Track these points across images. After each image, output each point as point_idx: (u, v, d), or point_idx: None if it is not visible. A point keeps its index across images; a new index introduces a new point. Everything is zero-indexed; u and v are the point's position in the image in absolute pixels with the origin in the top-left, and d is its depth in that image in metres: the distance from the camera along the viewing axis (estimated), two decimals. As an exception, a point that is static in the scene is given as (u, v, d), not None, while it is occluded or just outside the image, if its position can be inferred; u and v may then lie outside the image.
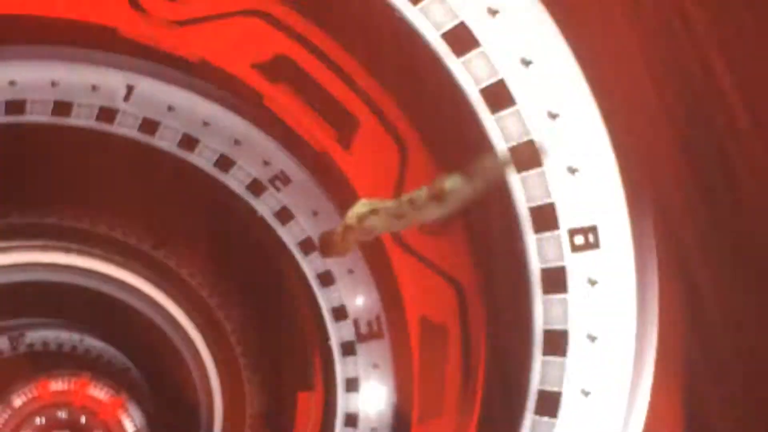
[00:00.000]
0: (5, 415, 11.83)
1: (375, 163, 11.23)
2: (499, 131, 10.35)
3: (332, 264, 11.76)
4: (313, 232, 11.66)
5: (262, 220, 11.99)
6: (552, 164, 10.21)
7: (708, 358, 9.33)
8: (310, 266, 11.66)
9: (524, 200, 10.22)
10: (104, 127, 11.89)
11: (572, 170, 10.22)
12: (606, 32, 10.21)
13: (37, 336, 11.90)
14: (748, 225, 9.55)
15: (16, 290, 11.52)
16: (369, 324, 11.85)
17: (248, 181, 11.98)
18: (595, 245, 10.05)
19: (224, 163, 11.89)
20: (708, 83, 9.47)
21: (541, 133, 10.35)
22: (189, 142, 11.99)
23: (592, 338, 9.94)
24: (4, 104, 11.94)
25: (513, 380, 10.22)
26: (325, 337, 11.76)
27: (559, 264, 10.03)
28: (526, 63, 10.36)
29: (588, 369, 9.95)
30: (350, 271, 11.55)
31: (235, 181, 11.99)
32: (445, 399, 10.55)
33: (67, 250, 11.63)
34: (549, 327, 10.08)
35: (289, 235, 11.63)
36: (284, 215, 11.68)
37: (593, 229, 10.06)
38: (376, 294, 11.64)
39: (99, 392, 11.95)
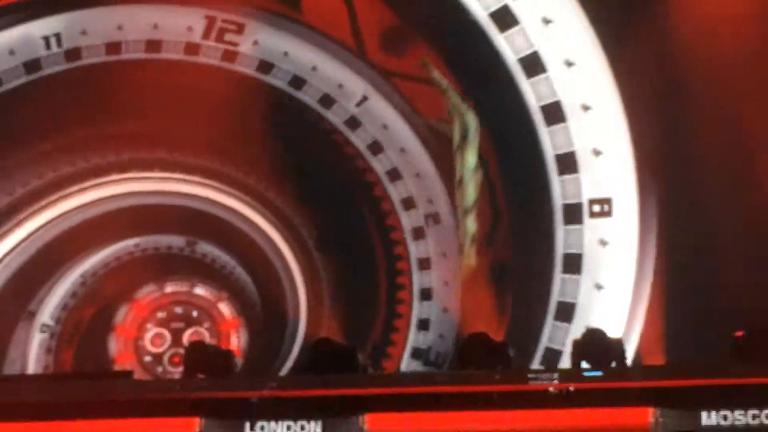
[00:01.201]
0: (133, 311, 12.50)
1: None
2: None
3: (414, 189, 12.09)
4: (399, 162, 12.03)
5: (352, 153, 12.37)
6: (581, 147, 11.04)
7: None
8: (396, 192, 11.93)
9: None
10: (225, 64, 12.32)
11: (597, 152, 10.96)
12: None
13: (164, 242, 12.70)
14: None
15: (144, 211, 12.65)
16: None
17: (346, 117, 12.15)
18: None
19: (326, 101, 12.13)
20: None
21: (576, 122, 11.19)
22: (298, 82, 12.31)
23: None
24: (144, 43, 12.36)
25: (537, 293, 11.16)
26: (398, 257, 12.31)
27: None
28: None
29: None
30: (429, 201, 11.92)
31: (335, 117, 12.15)
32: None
33: (176, 180, 12.45)
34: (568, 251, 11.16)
35: (379, 165, 11.89)
36: (375, 148, 11.93)
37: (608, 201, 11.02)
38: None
39: (205, 291, 12.74)
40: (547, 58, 11.27)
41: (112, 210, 12.77)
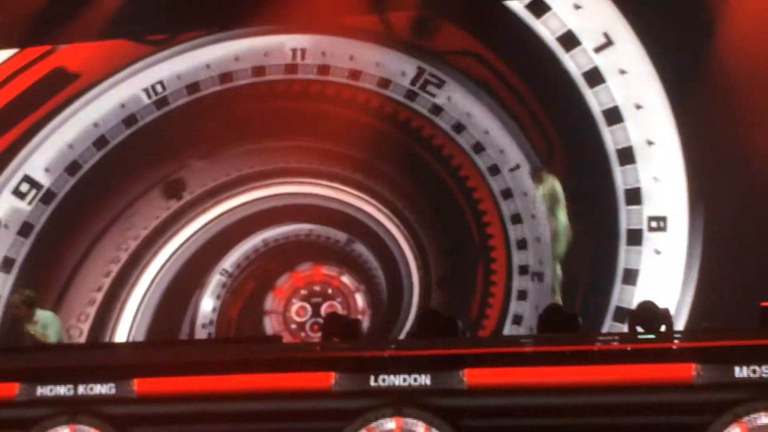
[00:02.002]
0: (278, 296, 13.08)
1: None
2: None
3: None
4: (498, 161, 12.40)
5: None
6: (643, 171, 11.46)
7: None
8: (496, 184, 12.29)
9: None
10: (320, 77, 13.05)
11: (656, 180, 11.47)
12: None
13: (316, 231, 13.30)
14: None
15: (272, 211, 13.36)
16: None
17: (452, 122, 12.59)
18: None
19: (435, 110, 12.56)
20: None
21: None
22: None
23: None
24: (283, 67, 13.10)
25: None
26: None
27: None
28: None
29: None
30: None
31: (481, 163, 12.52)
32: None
33: (300, 183, 13.12)
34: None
35: (481, 161, 12.36)
36: (478, 148, 12.42)
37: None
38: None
39: (332, 271, 13.19)
40: (623, 110, 11.55)
41: (269, 206, 13.39)
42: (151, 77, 13.53)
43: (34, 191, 13.22)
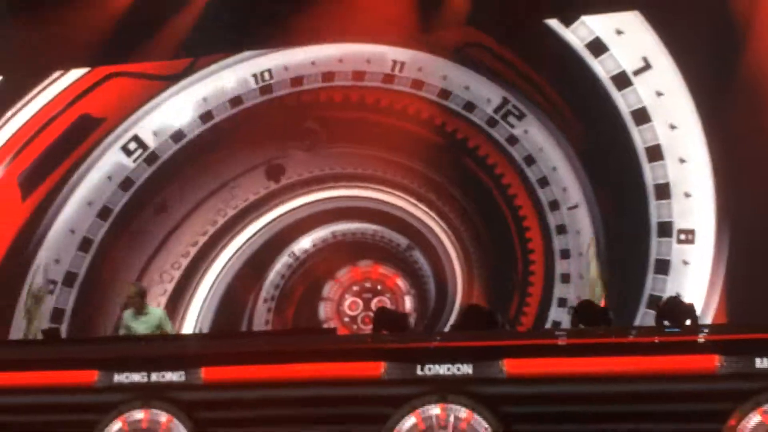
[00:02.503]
0: (336, 285, 13.17)
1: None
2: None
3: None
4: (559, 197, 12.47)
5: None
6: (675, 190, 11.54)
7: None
8: (553, 218, 12.40)
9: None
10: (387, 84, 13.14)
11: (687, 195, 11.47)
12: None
13: (380, 233, 13.38)
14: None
15: (346, 209, 13.55)
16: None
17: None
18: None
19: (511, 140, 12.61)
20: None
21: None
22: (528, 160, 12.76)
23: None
24: (350, 73, 13.27)
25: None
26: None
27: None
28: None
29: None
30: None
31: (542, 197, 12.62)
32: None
33: (364, 188, 13.27)
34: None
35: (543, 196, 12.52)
36: (543, 182, 12.63)
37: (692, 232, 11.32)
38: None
39: (387, 270, 13.24)
40: (658, 128, 11.70)
41: (344, 205, 13.56)
42: (260, 65, 13.78)
43: (140, 151, 13.45)
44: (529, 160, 12.41)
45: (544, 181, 12.49)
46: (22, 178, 13.57)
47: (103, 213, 13.96)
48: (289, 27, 12.95)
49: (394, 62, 13.10)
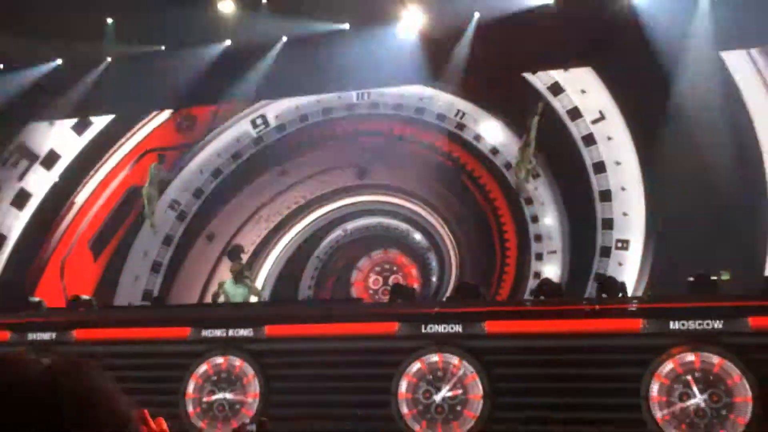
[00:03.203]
0: (363, 270, 12.65)
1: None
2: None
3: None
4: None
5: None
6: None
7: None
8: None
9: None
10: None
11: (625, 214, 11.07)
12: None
13: (385, 224, 12.81)
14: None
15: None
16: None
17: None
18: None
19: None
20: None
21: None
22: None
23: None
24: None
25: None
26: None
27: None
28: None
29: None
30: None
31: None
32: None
33: (392, 195, 12.66)
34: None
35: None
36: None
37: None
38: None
39: (405, 258, 12.73)
40: (598, 137, 11.22)
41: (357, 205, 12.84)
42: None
43: (262, 126, 12.94)
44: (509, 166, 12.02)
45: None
46: (91, 244, 13.07)
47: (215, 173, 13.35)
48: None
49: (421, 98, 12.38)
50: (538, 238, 11.59)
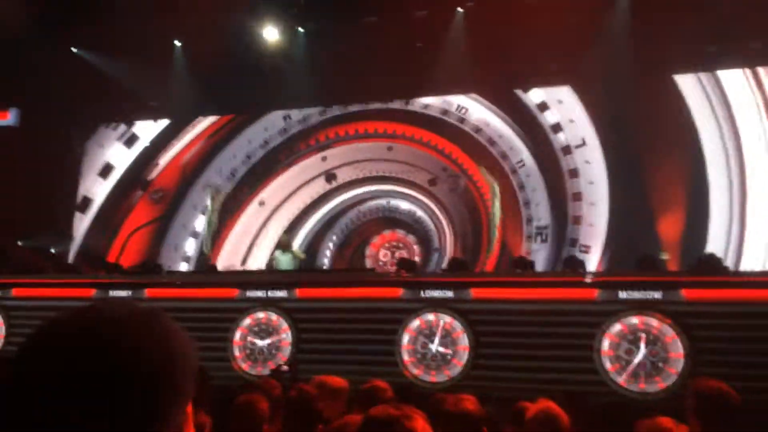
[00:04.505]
0: (374, 248, 12.36)
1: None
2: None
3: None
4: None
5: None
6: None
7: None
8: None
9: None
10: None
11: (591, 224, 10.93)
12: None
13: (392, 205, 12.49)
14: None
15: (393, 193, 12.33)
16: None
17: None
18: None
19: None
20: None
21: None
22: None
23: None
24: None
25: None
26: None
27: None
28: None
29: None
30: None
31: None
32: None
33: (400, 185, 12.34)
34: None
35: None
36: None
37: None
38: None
39: (406, 236, 12.46)
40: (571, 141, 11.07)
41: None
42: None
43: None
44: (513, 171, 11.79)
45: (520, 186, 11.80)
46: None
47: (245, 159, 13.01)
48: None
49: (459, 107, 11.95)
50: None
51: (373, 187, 12.48)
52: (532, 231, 11.19)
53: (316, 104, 12.65)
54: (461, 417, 2.46)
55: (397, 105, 12.21)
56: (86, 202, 13.34)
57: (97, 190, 13.36)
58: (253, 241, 12.66)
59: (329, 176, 12.59)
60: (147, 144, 13.33)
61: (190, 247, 12.90)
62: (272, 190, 12.79)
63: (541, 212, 11.23)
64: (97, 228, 13.09)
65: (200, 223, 12.95)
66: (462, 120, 11.81)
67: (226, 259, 12.61)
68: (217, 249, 12.73)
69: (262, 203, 12.80)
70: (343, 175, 12.62)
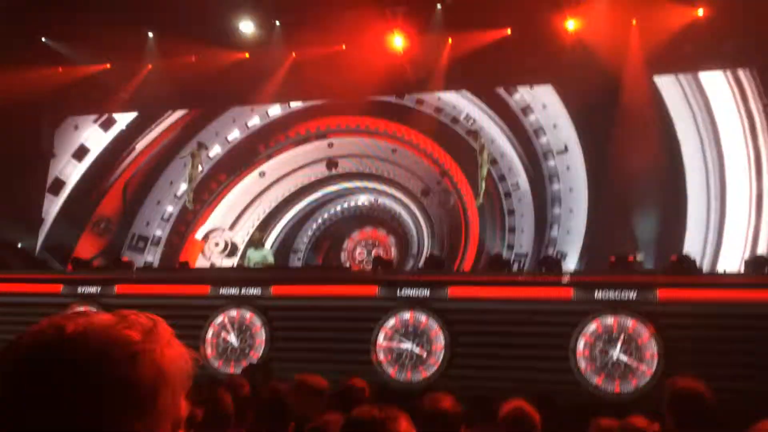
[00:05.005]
0: (352, 243, 12.30)
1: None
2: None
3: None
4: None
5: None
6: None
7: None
8: None
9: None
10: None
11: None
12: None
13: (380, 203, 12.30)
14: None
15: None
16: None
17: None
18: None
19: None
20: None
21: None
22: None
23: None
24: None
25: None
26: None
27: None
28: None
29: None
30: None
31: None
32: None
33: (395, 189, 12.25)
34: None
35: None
36: None
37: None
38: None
39: (382, 232, 12.31)
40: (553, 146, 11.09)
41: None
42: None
43: None
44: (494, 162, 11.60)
45: (501, 178, 11.72)
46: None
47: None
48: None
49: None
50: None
51: (369, 184, 12.39)
52: (511, 256, 11.20)
53: (295, 99, 12.54)
54: (438, 416, 2.43)
55: (410, 103, 12.12)
56: (58, 183, 13.05)
57: (71, 173, 13.07)
58: (245, 209, 12.59)
59: (331, 164, 12.45)
60: (123, 128, 13.10)
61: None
62: (275, 164, 12.66)
63: (524, 240, 11.24)
64: (68, 213, 12.82)
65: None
66: (470, 133, 11.72)
67: (216, 220, 12.43)
68: (209, 210, 12.55)
69: (262, 174, 12.71)
70: (345, 166, 12.51)
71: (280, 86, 12.06)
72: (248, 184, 12.63)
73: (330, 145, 12.28)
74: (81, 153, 13.20)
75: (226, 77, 12.01)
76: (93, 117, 13.26)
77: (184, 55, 12.14)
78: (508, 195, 11.48)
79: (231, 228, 12.36)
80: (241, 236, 12.35)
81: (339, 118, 12.35)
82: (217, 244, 12.29)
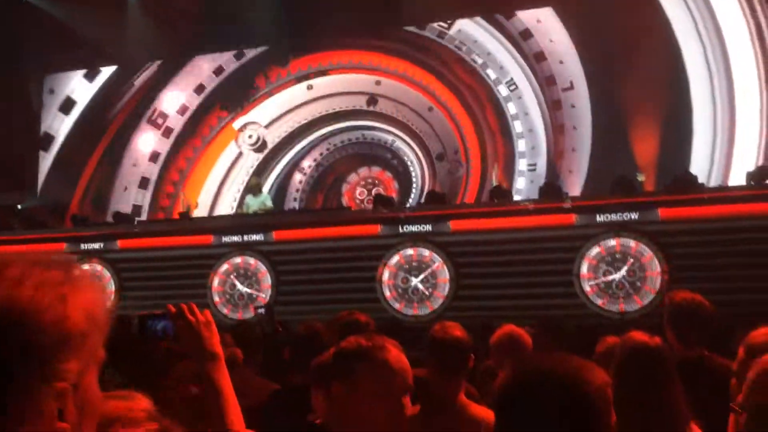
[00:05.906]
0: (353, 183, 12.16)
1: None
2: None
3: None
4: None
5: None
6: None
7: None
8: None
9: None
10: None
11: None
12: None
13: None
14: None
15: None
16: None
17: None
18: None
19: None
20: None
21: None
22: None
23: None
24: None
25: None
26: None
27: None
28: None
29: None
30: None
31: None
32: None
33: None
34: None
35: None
36: None
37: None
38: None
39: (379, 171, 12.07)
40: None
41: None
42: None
43: None
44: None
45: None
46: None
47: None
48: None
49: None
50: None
51: (394, 129, 12.12)
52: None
53: (282, 41, 12.17)
54: (452, 343, 2.47)
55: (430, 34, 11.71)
56: (48, 138, 12.89)
57: (59, 127, 12.86)
58: (286, 113, 12.35)
59: (372, 100, 12.07)
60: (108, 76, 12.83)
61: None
62: (325, 82, 12.33)
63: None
64: (60, 168, 12.67)
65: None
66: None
67: (257, 115, 12.35)
68: (252, 105, 12.42)
69: (310, 87, 12.44)
70: (381, 106, 12.15)
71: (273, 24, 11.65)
72: (295, 91, 12.39)
73: (377, 83, 12.04)
74: (68, 106, 12.96)
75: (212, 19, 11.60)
76: (79, 70, 12.97)
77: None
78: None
79: (267, 126, 12.41)
80: (272, 137, 12.36)
81: (395, 60, 11.95)
82: (250, 137, 12.32)
